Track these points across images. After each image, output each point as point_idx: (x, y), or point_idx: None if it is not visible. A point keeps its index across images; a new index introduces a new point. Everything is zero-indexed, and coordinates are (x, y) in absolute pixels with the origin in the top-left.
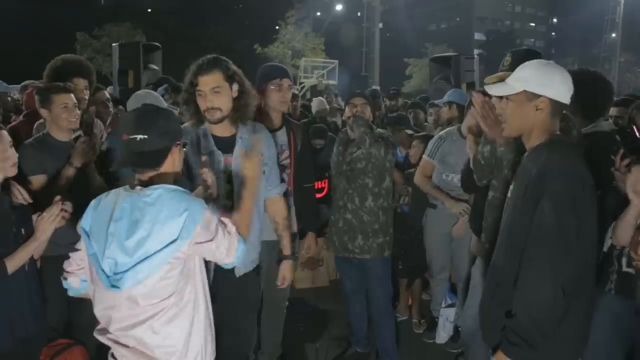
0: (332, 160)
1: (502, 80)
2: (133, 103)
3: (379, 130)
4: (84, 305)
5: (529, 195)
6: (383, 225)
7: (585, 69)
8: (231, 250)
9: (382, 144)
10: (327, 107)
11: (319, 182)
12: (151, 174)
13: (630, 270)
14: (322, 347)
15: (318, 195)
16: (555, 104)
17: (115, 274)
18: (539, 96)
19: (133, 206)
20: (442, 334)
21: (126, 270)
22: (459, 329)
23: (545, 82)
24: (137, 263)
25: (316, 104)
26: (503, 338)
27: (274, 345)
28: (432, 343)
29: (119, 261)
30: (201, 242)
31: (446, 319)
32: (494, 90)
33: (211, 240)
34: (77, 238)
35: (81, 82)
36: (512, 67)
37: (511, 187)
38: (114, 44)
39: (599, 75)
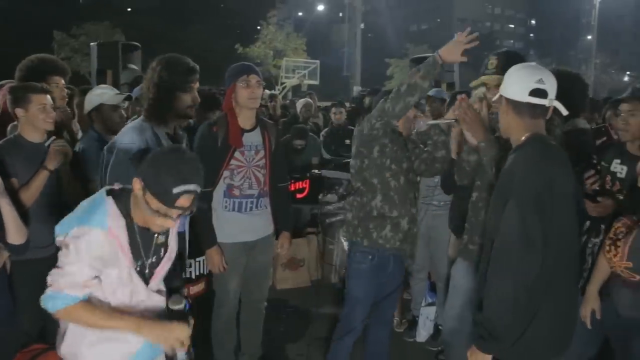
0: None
1: (487, 85)
2: (88, 99)
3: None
4: None
5: (498, 195)
6: None
7: (563, 69)
8: (58, 284)
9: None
10: (313, 108)
11: (300, 182)
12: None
13: None
14: (303, 348)
15: (299, 196)
16: (515, 104)
17: None
18: (502, 97)
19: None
20: (423, 333)
21: None
22: (440, 327)
23: (505, 83)
24: None
25: (302, 104)
26: (476, 332)
27: (254, 346)
28: (412, 342)
29: None
30: (65, 242)
31: (426, 317)
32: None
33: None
34: (50, 241)
35: (60, 80)
36: (499, 70)
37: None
38: (92, 43)
39: (576, 75)
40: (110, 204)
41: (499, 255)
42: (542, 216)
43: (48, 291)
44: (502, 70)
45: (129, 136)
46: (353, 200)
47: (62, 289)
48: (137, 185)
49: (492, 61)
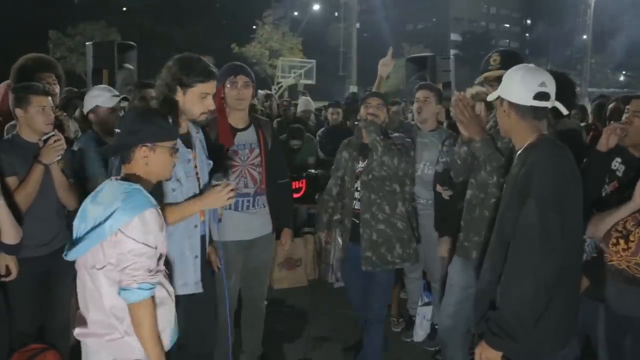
0: (342, 165)
1: (487, 78)
2: (85, 101)
3: (396, 134)
4: (57, 309)
5: (515, 193)
6: (414, 231)
7: (552, 70)
8: (141, 277)
9: (396, 151)
10: (313, 107)
11: (297, 182)
12: (126, 170)
13: None
14: (302, 347)
15: (295, 195)
16: (518, 107)
17: (72, 244)
18: (504, 100)
19: (104, 190)
20: (420, 332)
21: (75, 242)
22: (436, 327)
23: (506, 86)
24: (82, 236)
25: (302, 103)
26: (486, 329)
27: (255, 344)
28: (409, 342)
29: (76, 234)
30: (126, 235)
31: (423, 317)
32: (489, 96)
33: (136, 241)
34: (45, 239)
35: (47, 76)
36: (502, 66)
37: (505, 186)
38: (87, 43)
39: (564, 76)
40: (138, 186)
41: (519, 254)
42: (560, 215)
43: (139, 288)
44: (504, 66)
45: None
46: None
47: (150, 286)
48: (142, 153)
49: (495, 57)
